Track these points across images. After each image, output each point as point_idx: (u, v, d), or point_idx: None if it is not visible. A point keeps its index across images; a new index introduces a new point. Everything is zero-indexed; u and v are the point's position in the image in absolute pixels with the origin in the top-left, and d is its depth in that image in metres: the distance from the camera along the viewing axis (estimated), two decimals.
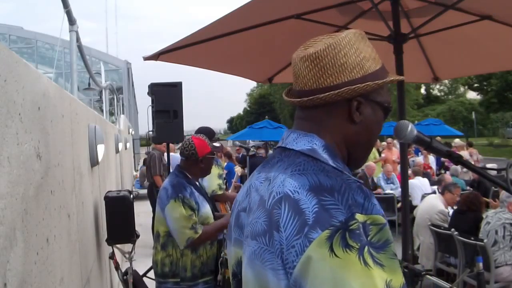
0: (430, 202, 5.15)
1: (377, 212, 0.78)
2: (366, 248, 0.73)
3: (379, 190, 7.78)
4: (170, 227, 2.56)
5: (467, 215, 4.54)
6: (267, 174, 0.95)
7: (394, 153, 10.00)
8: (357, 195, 0.79)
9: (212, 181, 3.82)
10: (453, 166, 8.59)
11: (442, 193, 5.25)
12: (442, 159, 10.65)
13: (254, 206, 0.92)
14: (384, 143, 10.95)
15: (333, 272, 0.72)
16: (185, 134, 4.55)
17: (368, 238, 0.75)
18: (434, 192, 6.61)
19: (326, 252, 0.73)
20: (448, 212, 5.00)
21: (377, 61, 0.96)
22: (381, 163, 9.75)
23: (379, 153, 10.60)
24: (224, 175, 4.13)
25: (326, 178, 0.83)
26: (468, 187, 7.80)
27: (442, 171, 10.54)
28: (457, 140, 12.37)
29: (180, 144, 3.33)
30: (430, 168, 10.54)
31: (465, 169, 8.61)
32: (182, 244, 2.53)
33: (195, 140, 2.70)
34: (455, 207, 5.02)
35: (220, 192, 3.91)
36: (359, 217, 0.76)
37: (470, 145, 12.53)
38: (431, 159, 10.92)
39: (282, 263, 0.78)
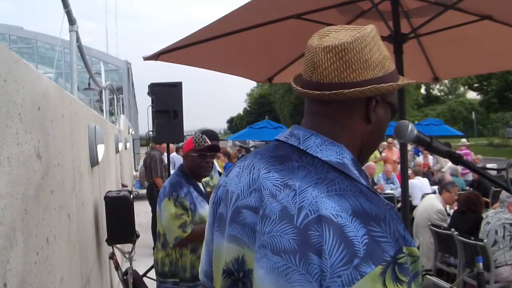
0: (428, 202, 5.15)
1: (414, 245, 0.79)
2: (411, 282, 0.76)
3: (379, 186, 7.85)
4: (163, 225, 2.59)
5: (468, 216, 4.54)
6: (286, 180, 0.87)
7: (394, 153, 10.00)
8: (399, 226, 0.79)
9: None
10: (453, 166, 8.58)
11: (440, 192, 5.25)
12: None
13: (272, 215, 0.85)
14: (384, 143, 10.94)
15: None
16: (185, 134, 4.54)
17: None
18: (434, 192, 6.61)
19: (380, 287, 0.73)
20: (448, 213, 5.00)
21: (392, 61, 0.95)
22: (382, 162, 9.76)
23: (379, 153, 10.60)
24: (213, 173, 4.01)
25: (367, 202, 0.80)
26: (468, 187, 7.80)
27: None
28: (463, 140, 12.33)
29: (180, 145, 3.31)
30: (432, 173, 10.50)
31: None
32: (171, 242, 2.55)
33: (187, 139, 2.76)
34: (455, 208, 5.02)
35: (207, 189, 3.82)
36: (404, 249, 0.76)
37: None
38: (431, 159, 10.91)
39: None
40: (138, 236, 3.00)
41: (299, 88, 0.95)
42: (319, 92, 0.90)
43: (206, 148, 2.68)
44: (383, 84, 0.88)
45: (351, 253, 0.75)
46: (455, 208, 5.07)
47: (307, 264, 0.77)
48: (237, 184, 0.98)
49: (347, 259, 0.74)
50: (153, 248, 2.77)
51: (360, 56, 0.88)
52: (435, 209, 4.92)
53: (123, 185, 7.56)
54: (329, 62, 0.89)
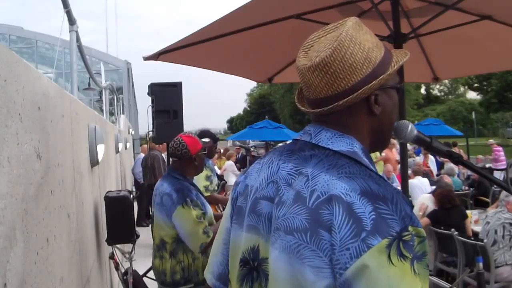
0: (420, 202, 5.19)
1: (421, 226, 0.81)
2: (415, 259, 0.78)
3: None
4: (181, 233, 2.48)
5: (453, 212, 4.63)
6: (300, 168, 0.92)
7: (395, 153, 9.99)
8: (406, 207, 0.82)
9: (199, 182, 3.53)
10: (448, 166, 8.56)
11: (433, 193, 5.25)
12: (442, 159, 10.62)
13: (287, 201, 0.90)
14: None
15: (389, 279, 0.76)
16: None
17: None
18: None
19: (385, 259, 0.76)
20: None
21: (379, 46, 0.96)
22: (382, 162, 9.74)
23: (379, 153, 10.57)
24: (213, 177, 3.93)
25: (376, 185, 0.84)
26: (468, 187, 7.79)
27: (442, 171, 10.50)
28: (491, 141, 12.15)
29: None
30: (431, 171, 10.48)
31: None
32: (196, 250, 2.48)
33: (185, 139, 2.62)
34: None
35: (206, 194, 3.66)
36: (410, 228, 0.79)
37: (454, 144, 12.29)
38: (431, 159, 10.89)
39: (331, 262, 0.80)
40: (138, 236, 3.00)
41: (303, 109, 1.02)
42: (319, 110, 0.95)
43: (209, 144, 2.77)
44: (374, 82, 0.90)
45: (359, 228, 0.79)
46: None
47: (318, 240, 0.82)
48: (256, 178, 1.03)
49: (355, 233, 0.78)
50: (156, 257, 2.65)
51: (344, 63, 0.91)
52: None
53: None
54: (317, 80, 0.93)
